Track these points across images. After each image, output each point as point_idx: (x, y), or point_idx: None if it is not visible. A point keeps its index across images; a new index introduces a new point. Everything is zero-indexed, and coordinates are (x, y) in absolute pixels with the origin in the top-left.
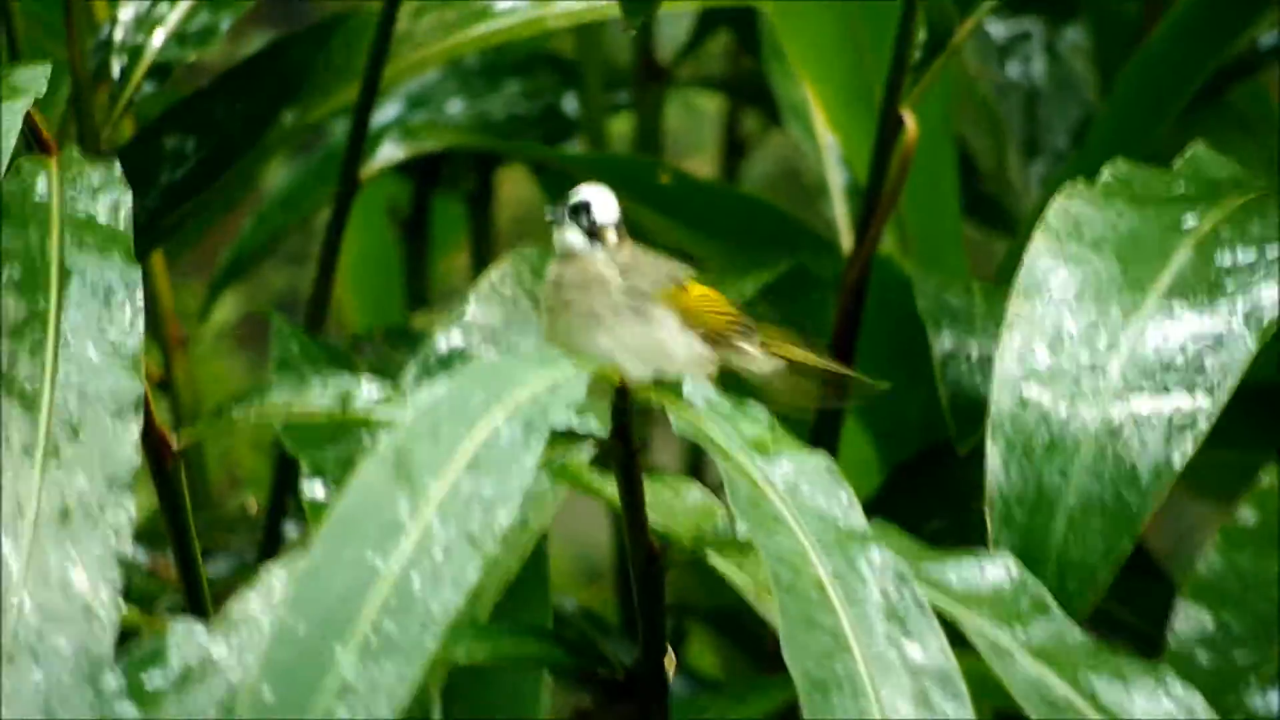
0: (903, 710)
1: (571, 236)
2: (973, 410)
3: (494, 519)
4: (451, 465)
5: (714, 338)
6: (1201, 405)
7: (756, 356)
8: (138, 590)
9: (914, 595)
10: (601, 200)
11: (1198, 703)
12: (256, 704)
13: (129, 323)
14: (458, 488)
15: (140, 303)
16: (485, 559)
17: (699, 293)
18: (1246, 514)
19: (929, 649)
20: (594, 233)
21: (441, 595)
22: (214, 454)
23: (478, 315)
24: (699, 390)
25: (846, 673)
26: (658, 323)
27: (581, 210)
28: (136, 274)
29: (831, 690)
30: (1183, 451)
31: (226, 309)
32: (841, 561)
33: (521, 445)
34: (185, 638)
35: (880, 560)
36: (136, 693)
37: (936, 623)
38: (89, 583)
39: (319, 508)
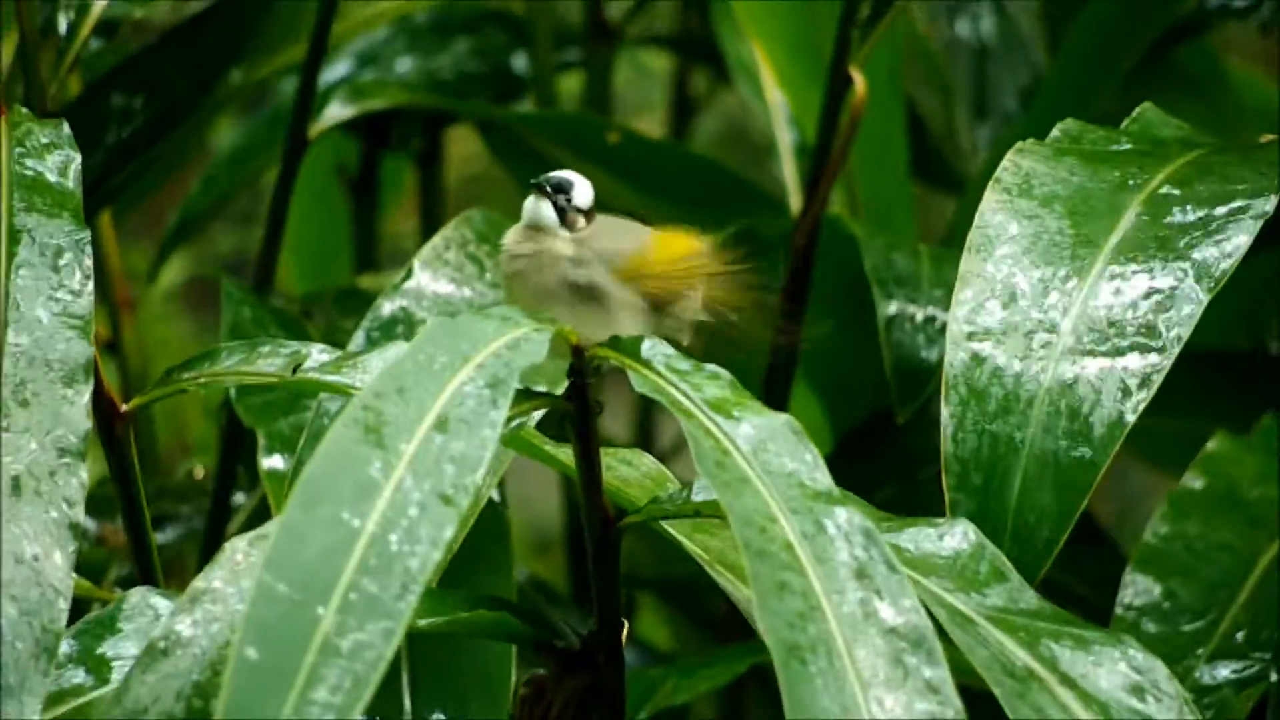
0: (879, 672)
1: (545, 209)
2: (916, 375)
3: (467, 476)
4: (421, 425)
5: (666, 301)
6: (1153, 361)
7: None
8: (86, 558)
9: (884, 555)
10: (582, 185)
11: (1159, 671)
12: (242, 662)
13: (79, 285)
14: (428, 447)
15: (90, 265)
16: (460, 517)
17: (661, 256)
18: (1194, 480)
19: (902, 609)
20: (564, 212)
21: (420, 553)
22: (162, 420)
23: (422, 281)
24: (658, 350)
25: (821, 635)
26: (608, 305)
27: (563, 188)
28: (86, 235)
29: (807, 654)
30: (1135, 405)
31: (174, 270)
32: (810, 522)
33: (489, 402)
34: (141, 606)
35: (848, 520)
36: (89, 659)
37: (908, 582)
38: (42, 552)
39: (278, 477)
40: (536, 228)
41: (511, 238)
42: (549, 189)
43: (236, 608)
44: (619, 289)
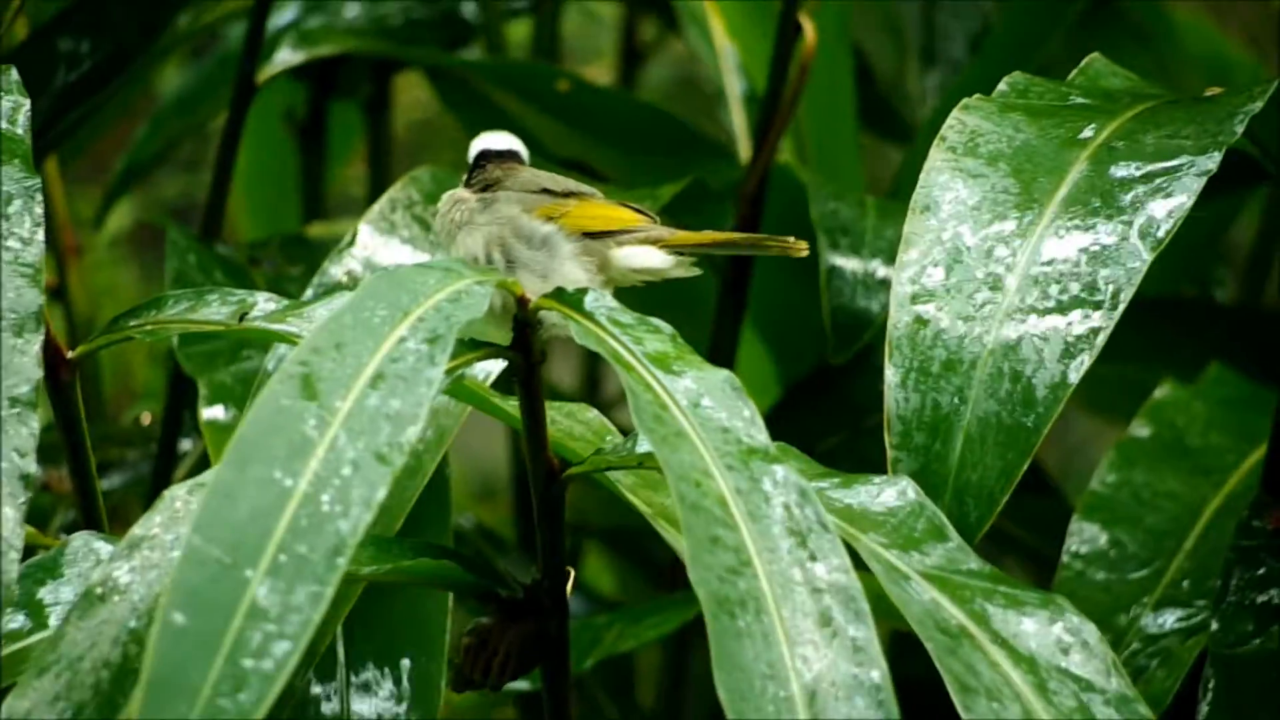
0: (807, 630)
1: (461, 192)
2: (854, 325)
3: (402, 434)
4: (357, 381)
5: (602, 248)
6: (1097, 319)
7: (651, 254)
8: (30, 504)
9: (817, 513)
10: (497, 143)
11: (1090, 632)
12: (168, 629)
13: (29, 233)
14: (364, 403)
15: (40, 213)
16: (394, 476)
17: (580, 207)
18: (1140, 429)
19: (832, 567)
20: (477, 165)
21: (351, 514)
22: (108, 366)
23: (369, 244)
24: (601, 303)
25: (750, 591)
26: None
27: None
28: (37, 182)
29: (735, 609)
30: (1078, 366)
31: (120, 217)
32: (744, 478)
33: (427, 358)
34: (83, 550)
35: (783, 477)
36: (29, 604)
37: (839, 541)
38: None
39: (218, 428)
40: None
41: (443, 203)
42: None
43: (174, 555)
44: (545, 232)
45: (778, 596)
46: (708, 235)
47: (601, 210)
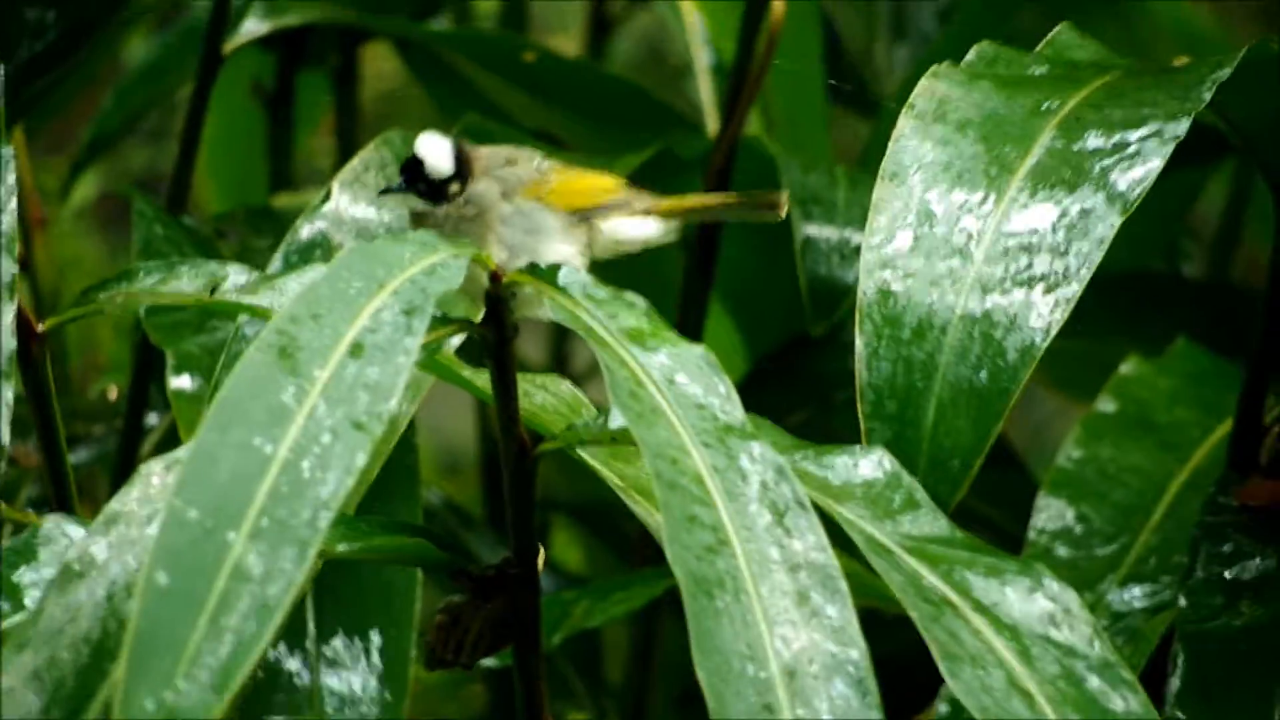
0: (785, 609)
1: (412, 201)
2: (831, 295)
3: (380, 404)
4: (335, 350)
5: (585, 218)
6: (1064, 285)
7: (638, 225)
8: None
9: (794, 490)
10: (434, 152)
11: (1072, 599)
12: (151, 588)
13: (2, 202)
14: (342, 373)
15: (13, 182)
16: (373, 444)
17: (563, 180)
18: (1106, 404)
19: (809, 545)
20: (432, 188)
21: (331, 480)
22: (74, 339)
23: (341, 204)
24: (575, 278)
25: (729, 569)
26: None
27: (414, 170)
28: (9, 151)
29: (714, 588)
30: (1046, 331)
31: (85, 188)
32: (721, 455)
33: (404, 329)
34: (55, 533)
35: (760, 454)
36: (3, 586)
37: (816, 519)
38: None
39: (186, 398)
40: (417, 214)
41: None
42: (402, 187)
43: (150, 531)
44: (532, 209)
45: (756, 575)
46: (694, 199)
47: (585, 183)
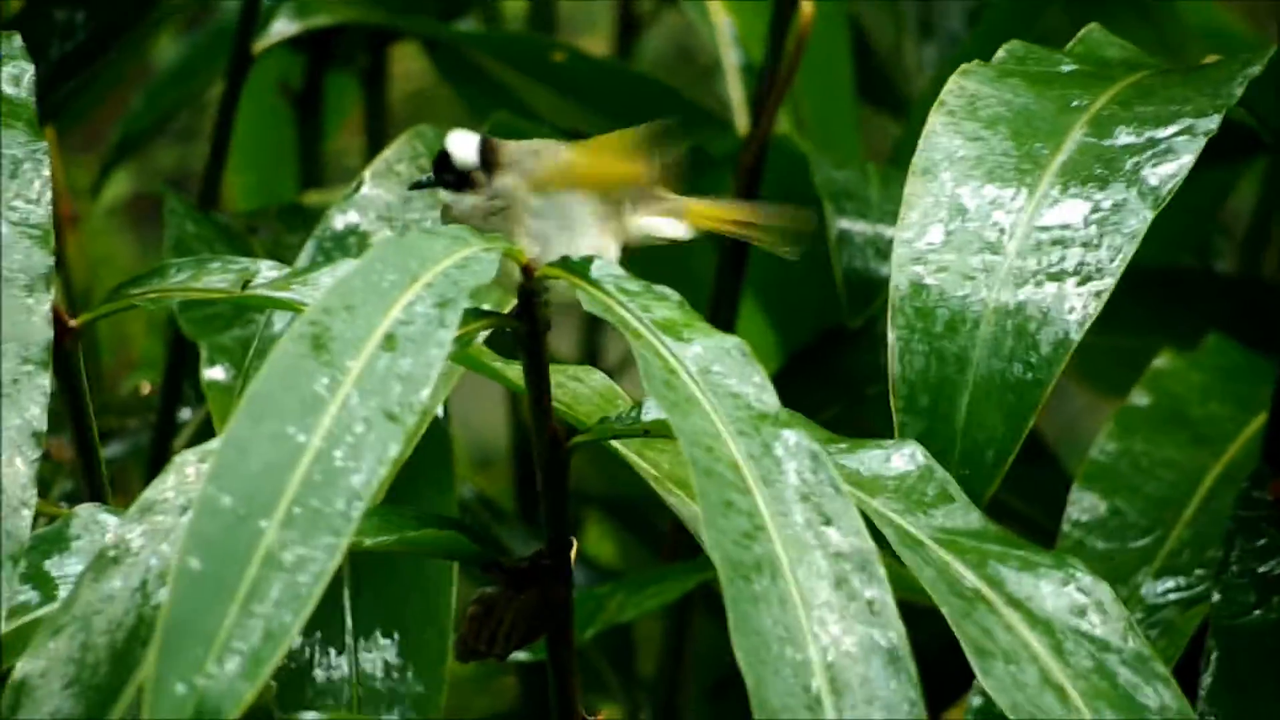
0: (823, 593)
1: (442, 195)
2: (866, 289)
3: (413, 395)
4: (369, 342)
5: (616, 206)
6: (1097, 279)
7: (669, 223)
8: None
9: (830, 478)
10: (460, 144)
11: (1105, 593)
12: (184, 575)
13: (36, 194)
14: (375, 364)
15: (48, 175)
16: (407, 435)
17: (588, 160)
18: (1140, 397)
19: (846, 532)
20: (459, 183)
21: (364, 469)
22: (106, 336)
23: (373, 194)
24: (608, 270)
25: (766, 555)
26: (556, 219)
27: (443, 163)
28: (43, 145)
29: (751, 573)
30: (1080, 324)
31: (117, 186)
32: (757, 444)
33: (437, 321)
34: (89, 523)
35: (795, 442)
36: (36, 576)
37: (853, 506)
38: (6, 461)
39: (219, 389)
40: (448, 207)
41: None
42: (431, 181)
43: (185, 521)
44: (561, 201)
45: (793, 560)
46: (728, 208)
47: (612, 169)
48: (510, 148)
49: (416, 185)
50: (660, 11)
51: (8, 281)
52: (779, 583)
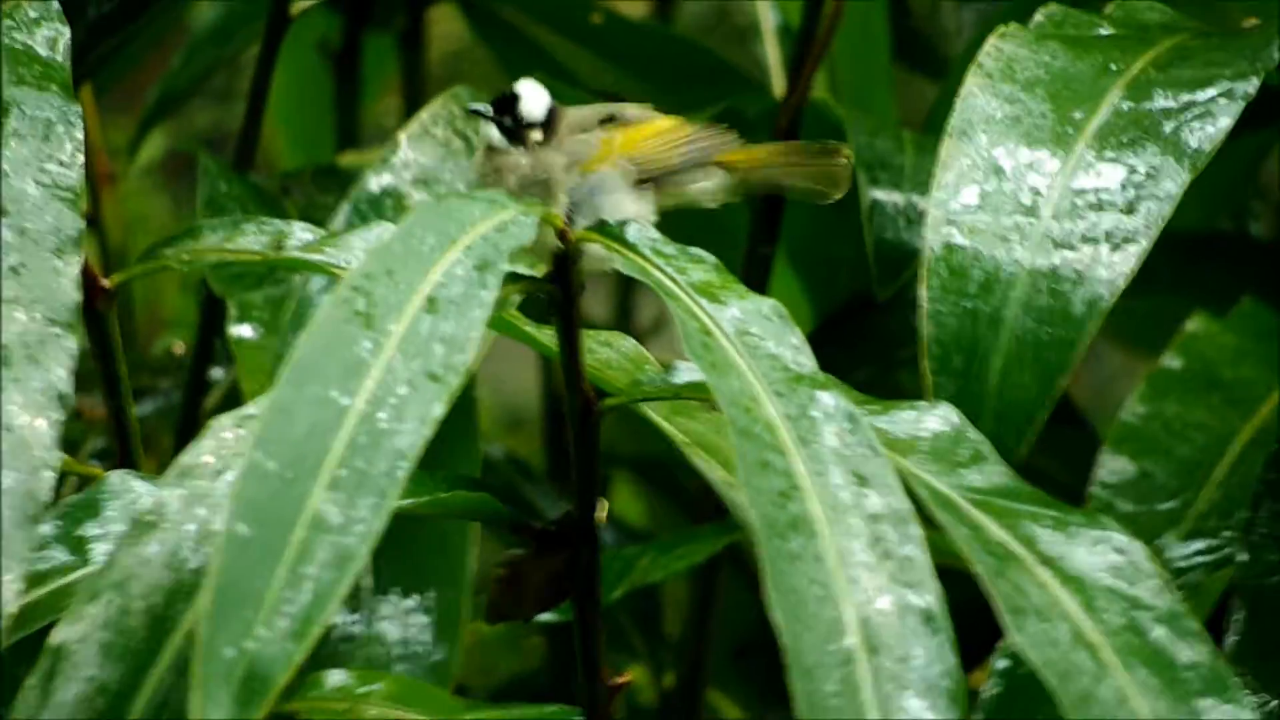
0: (857, 552)
1: (492, 132)
2: (898, 258)
3: (455, 356)
4: (410, 305)
5: (658, 174)
6: (1133, 241)
7: (704, 177)
8: (63, 431)
9: (867, 439)
10: (531, 96)
11: (1138, 551)
12: (232, 539)
13: (69, 157)
14: (418, 327)
15: (80, 138)
16: (450, 395)
17: (628, 136)
18: (1172, 360)
19: (883, 492)
20: (514, 131)
21: (408, 430)
22: (139, 295)
23: (410, 156)
24: (643, 234)
25: (803, 514)
26: (598, 192)
27: (507, 105)
28: (76, 108)
29: (787, 531)
30: (1114, 286)
31: (152, 146)
32: (793, 405)
33: (478, 284)
34: (120, 488)
35: (832, 404)
36: (69, 540)
37: (890, 466)
38: (29, 421)
39: (247, 346)
40: (492, 149)
41: (476, 159)
42: (491, 114)
43: (223, 484)
44: (598, 176)
45: (829, 520)
46: (761, 150)
47: (651, 129)
48: (569, 121)
49: (474, 111)
50: None
51: (37, 244)
52: (815, 542)
